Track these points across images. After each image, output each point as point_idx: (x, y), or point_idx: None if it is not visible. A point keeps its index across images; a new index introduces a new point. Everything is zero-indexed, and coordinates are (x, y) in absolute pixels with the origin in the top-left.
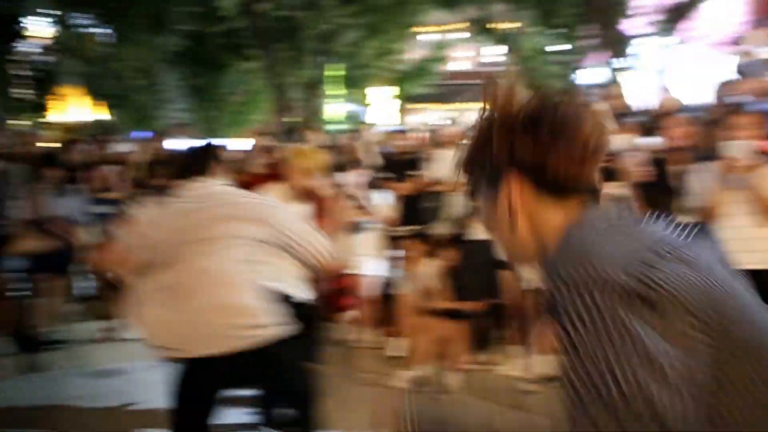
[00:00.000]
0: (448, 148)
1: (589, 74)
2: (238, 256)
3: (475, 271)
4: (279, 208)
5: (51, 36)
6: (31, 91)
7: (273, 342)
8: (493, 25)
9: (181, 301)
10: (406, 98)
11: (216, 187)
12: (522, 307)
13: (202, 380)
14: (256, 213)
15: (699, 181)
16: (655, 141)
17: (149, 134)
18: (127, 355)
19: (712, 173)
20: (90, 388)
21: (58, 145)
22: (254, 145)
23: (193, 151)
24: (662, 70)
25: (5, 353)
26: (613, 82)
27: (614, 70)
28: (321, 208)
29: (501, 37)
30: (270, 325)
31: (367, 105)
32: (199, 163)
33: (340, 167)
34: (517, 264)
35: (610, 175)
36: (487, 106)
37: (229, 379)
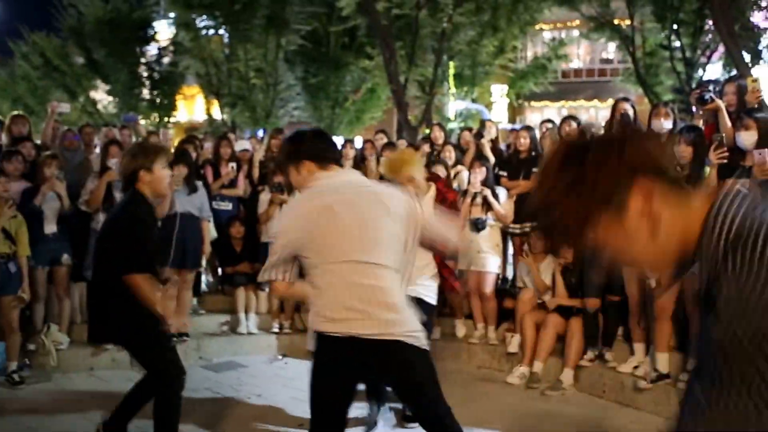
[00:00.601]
0: None
1: (714, 70)
2: (396, 262)
3: (594, 269)
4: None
5: (174, 38)
6: (157, 92)
7: (417, 346)
8: (611, 22)
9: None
10: (525, 96)
11: (354, 176)
12: (643, 304)
13: (351, 363)
14: (403, 208)
15: None
16: None
17: (266, 132)
18: (247, 348)
19: None
20: (211, 380)
21: (181, 143)
22: (371, 142)
23: (322, 137)
24: None
25: None
26: (741, 77)
27: (742, 64)
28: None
29: (620, 34)
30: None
31: (487, 103)
32: (333, 149)
33: (462, 164)
34: (650, 271)
35: (734, 172)
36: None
37: (375, 367)
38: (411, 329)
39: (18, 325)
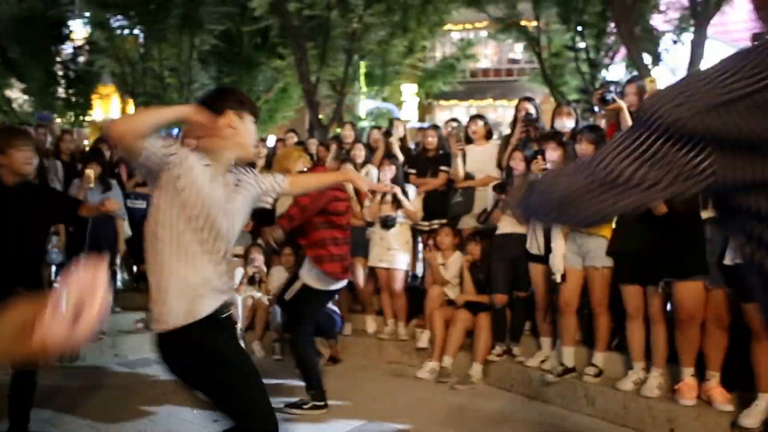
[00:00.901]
0: (475, 145)
1: (617, 71)
2: None
3: (500, 264)
4: None
5: (88, 37)
6: (72, 91)
7: None
8: (518, 23)
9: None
10: (434, 95)
11: None
12: (549, 299)
13: None
14: None
15: None
16: None
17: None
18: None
19: None
20: (126, 377)
21: (94, 141)
22: (282, 141)
23: None
24: (689, 66)
25: None
26: (640, 78)
27: (641, 66)
28: None
29: (526, 35)
30: None
31: (397, 102)
32: None
33: (372, 162)
34: None
35: None
36: None
37: None
38: None
39: None
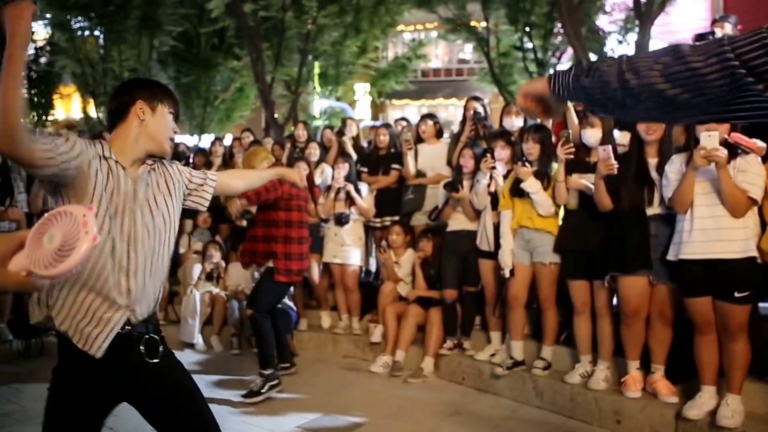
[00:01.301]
0: (426, 143)
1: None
2: None
3: (451, 260)
4: None
5: (49, 38)
6: (34, 91)
7: None
8: (467, 24)
9: None
10: (387, 94)
11: None
12: (498, 294)
13: None
14: None
15: (672, 173)
16: (625, 134)
17: None
18: None
19: (684, 164)
20: None
21: None
22: (238, 140)
23: None
24: None
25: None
26: None
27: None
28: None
29: (475, 35)
30: None
31: (351, 101)
32: None
33: (326, 161)
34: None
35: (580, 167)
36: None
37: None
38: None
39: None
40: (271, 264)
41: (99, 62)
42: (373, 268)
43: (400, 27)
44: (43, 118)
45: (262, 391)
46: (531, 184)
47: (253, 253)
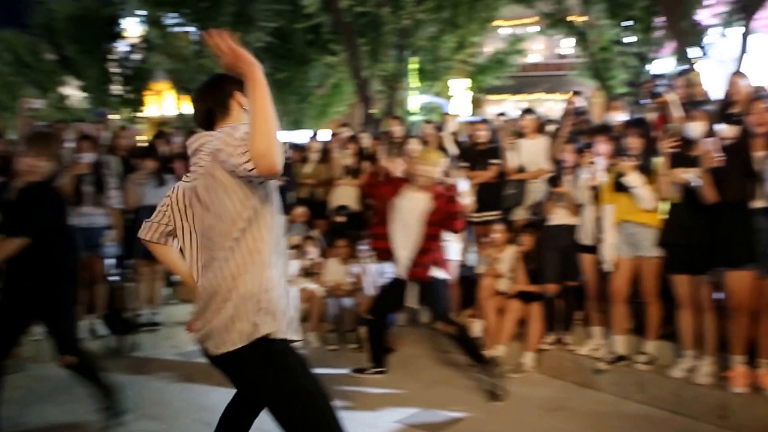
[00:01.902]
0: (526, 138)
1: (663, 65)
2: None
3: (552, 255)
4: None
5: (142, 35)
6: (127, 88)
7: None
8: (566, 19)
9: None
10: (484, 90)
11: None
12: (599, 288)
13: None
14: None
15: None
16: (732, 128)
17: None
18: None
19: None
20: (183, 369)
21: (152, 137)
22: (336, 136)
23: None
24: (736, 59)
25: (100, 335)
26: (689, 71)
27: (689, 60)
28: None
29: (575, 30)
30: None
31: (448, 97)
32: None
33: None
34: None
35: (684, 161)
36: None
37: None
38: None
39: None
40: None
41: (192, 58)
42: (471, 263)
43: (498, 22)
44: (135, 114)
45: (366, 372)
46: (633, 179)
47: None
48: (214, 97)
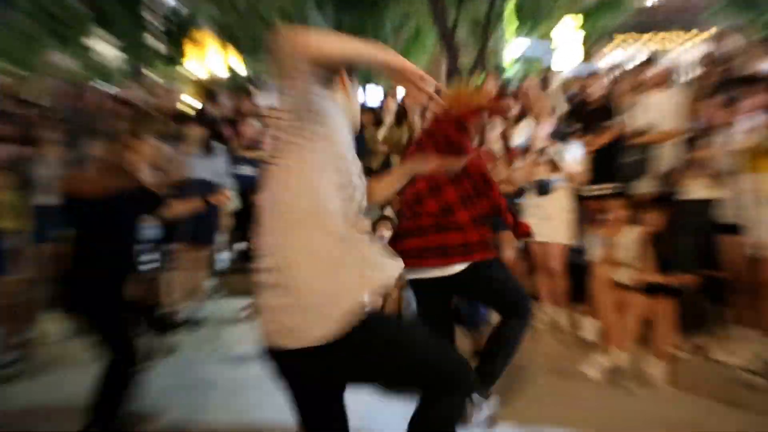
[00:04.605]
0: (650, 91)
1: None
2: None
3: (687, 238)
4: None
5: None
6: (165, 38)
7: None
8: None
9: None
10: (598, 33)
11: None
12: (748, 280)
13: None
14: None
15: None
16: None
17: None
18: None
19: None
20: (230, 374)
21: (197, 99)
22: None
23: None
24: None
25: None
26: None
27: None
28: None
29: None
30: None
31: (552, 45)
32: None
33: (522, 117)
34: None
35: None
36: None
37: None
38: None
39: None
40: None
41: (244, 4)
42: (583, 247)
43: None
44: (175, 70)
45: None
46: None
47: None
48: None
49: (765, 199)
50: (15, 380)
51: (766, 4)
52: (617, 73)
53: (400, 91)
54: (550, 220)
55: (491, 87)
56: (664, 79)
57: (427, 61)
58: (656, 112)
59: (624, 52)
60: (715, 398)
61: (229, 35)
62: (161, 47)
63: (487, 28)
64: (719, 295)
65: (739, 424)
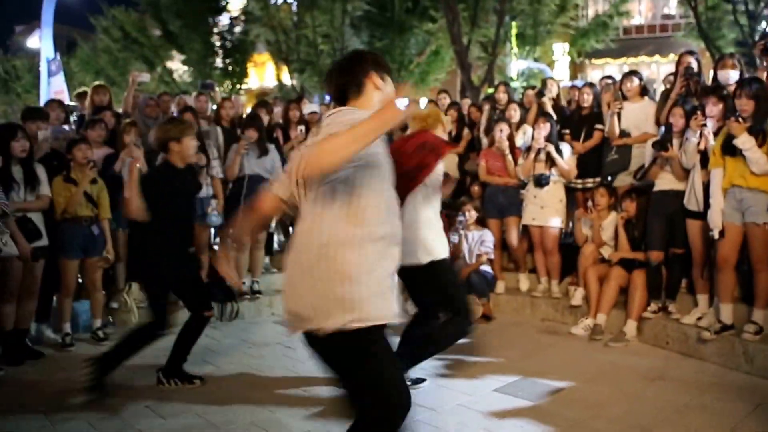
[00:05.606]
0: (630, 102)
1: None
2: None
3: (658, 221)
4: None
5: (244, 8)
6: (229, 60)
7: None
8: None
9: None
10: (586, 53)
11: None
12: (706, 256)
13: None
14: None
15: None
16: None
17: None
18: None
19: None
20: (282, 334)
21: (254, 107)
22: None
23: None
24: None
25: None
26: None
27: None
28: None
29: None
30: None
31: (549, 61)
32: None
33: (526, 122)
34: None
35: None
36: None
37: None
38: None
39: (101, 284)
40: None
41: (292, 29)
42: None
43: None
44: (238, 86)
45: None
46: (744, 141)
47: None
48: (349, 75)
49: (716, 190)
50: (107, 340)
51: (715, 30)
52: (603, 84)
53: (423, 102)
54: (546, 208)
55: (501, 96)
56: (639, 92)
57: (444, 75)
58: (633, 119)
59: (603, 72)
60: (676, 350)
61: (281, 55)
62: (226, 66)
63: (495, 47)
64: (682, 268)
65: (694, 369)
